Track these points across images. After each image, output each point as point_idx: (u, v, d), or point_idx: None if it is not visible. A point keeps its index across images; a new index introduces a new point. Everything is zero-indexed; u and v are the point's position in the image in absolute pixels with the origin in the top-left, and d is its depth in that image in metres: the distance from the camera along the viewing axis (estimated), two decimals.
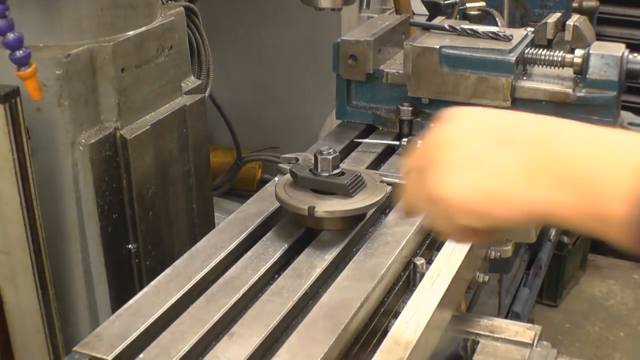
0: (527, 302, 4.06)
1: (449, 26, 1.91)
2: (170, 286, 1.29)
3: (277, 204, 1.51)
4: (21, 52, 1.45)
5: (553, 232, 4.35)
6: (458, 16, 3.29)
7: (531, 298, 4.20)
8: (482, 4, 3.38)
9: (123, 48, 1.69)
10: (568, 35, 2.90)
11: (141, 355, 1.14)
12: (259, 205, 1.55)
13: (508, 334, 1.63)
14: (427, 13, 3.12)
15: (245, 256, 1.39)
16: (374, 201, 1.45)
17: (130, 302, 1.25)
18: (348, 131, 1.93)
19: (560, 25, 3.12)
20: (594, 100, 1.73)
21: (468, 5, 3.35)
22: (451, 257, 1.49)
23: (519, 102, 1.79)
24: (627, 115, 1.82)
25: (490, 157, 0.93)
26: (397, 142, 1.84)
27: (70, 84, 1.60)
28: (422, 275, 1.44)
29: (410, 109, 1.87)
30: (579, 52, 1.77)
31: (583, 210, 0.86)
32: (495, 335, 1.63)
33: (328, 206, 1.42)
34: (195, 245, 1.42)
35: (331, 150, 1.47)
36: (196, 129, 1.94)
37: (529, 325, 1.66)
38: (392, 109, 1.92)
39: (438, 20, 2.03)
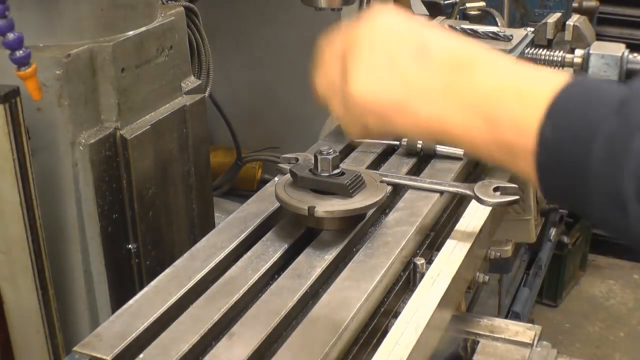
0: (527, 302, 4.07)
1: (449, 26, 1.91)
2: (170, 286, 1.29)
3: (277, 204, 1.51)
4: (21, 52, 1.45)
5: (553, 232, 4.35)
6: (458, 16, 3.29)
7: (531, 298, 4.20)
8: (482, 4, 3.38)
9: (123, 48, 1.69)
10: (568, 35, 2.90)
11: (141, 355, 1.14)
12: (259, 205, 1.55)
13: (508, 334, 1.63)
14: (427, 13, 3.12)
15: (245, 256, 1.39)
16: (374, 201, 1.45)
17: (130, 302, 1.25)
18: None
19: (560, 25, 3.12)
20: None
21: (468, 5, 3.35)
22: (451, 257, 1.49)
23: None
24: None
25: (402, 65, 0.95)
26: (397, 142, 1.83)
27: (70, 84, 1.60)
28: (422, 275, 1.44)
29: None
30: (579, 52, 1.77)
31: (488, 139, 0.87)
32: (495, 335, 1.63)
33: (328, 206, 1.42)
34: (195, 245, 1.42)
35: (331, 150, 1.47)
36: (196, 129, 1.94)
37: (529, 325, 1.66)
38: None
39: (438, 20, 2.03)
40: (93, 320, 1.74)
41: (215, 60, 2.47)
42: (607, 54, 1.72)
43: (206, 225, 2.04)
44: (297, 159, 1.63)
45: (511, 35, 1.83)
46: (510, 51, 1.77)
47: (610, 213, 0.79)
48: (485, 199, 1.53)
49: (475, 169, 1.90)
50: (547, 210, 3.06)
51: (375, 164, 1.79)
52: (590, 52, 1.73)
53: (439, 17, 2.11)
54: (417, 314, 1.32)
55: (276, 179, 1.61)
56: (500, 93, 0.87)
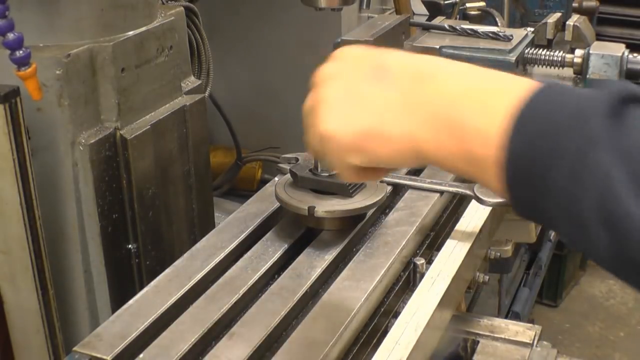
0: (527, 302, 4.07)
1: (449, 26, 1.91)
2: (170, 286, 1.29)
3: (277, 204, 1.51)
4: (21, 52, 1.45)
5: (553, 232, 4.35)
6: (458, 16, 3.29)
7: (531, 298, 4.20)
8: (482, 4, 3.38)
9: (123, 48, 1.69)
10: (568, 35, 2.90)
11: (141, 355, 1.14)
12: (259, 205, 1.55)
13: (508, 334, 1.63)
14: (427, 13, 3.12)
15: (245, 256, 1.39)
16: (374, 201, 1.45)
17: (130, 302, 1.25)
18: None
19: (560, 25, 3.12)
20: None
21: (468, 5, 3.35)
22: (451, 257, 1.49)
23: None
24: None
25: (365, 93, 0.93)
26: None
27: (70, 84, 1.60)
28: (422, 275, 1.44)
29: None
30: (579, 52, 1.77)
31: (456, 152, 0.85)
32: (495, 335, 1.63)
33: (328, 206, 1.42)
34: (195, 245, 1.42)
35: None
36: (196, 129, 1.94)
37: (529, 325, 1.66)
38: None
39: (438, 20, 2.03)
40: (93, 320, 1.74)
41: (215, 60, 2.47)
42: (607, 54, 1.72)
43: (206, 225, 2.04)
44: (297, 159, 1.63)
45: (511, 35, 1.83)
46: (510, 51, 1.77)
47: (575, 235, 0.76)
48: (485, 199, 1.53)
49: None
50: None
51: None
52: (590, 52, 1.73)
53: (439, 17, 2.11)
54: (417, 314, 1.31)
55: (276, 179, 1.61)
56: (463, 101, 0.84)
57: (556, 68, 1.81)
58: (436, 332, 1.39)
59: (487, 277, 1.74)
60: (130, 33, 1.73)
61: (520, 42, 1.83)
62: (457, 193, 1.63)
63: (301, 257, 1.39)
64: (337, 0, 2.09)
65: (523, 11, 4.01)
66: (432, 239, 1.58)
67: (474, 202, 1.59)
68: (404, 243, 1.44)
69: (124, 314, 1.22)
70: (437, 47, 1.79)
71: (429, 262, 1.48)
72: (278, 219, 1.52)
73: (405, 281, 1.46)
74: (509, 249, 2.32)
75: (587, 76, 1.72)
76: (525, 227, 2.38)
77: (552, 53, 1.81)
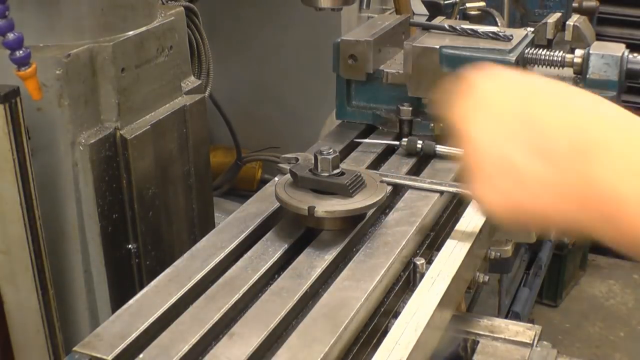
0: (527, 302, 4.07)
1: (449, 26, 1.91)
2: (170, 286, 1.29)
3: (277, 204, 1.51)
4: (21, 52, 1.45)
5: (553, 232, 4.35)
6: (458, 16, 3.29)
7: (531, 298, 4.20)
8: (482, 4, 3.39)
9: (123, 48, 1.69)
10: (568, 35, 2.90)
11: (141, 355, 1.14)
12: (259, 205, 1.55)
13: (508, 334, 1.63)
14: (427, 13, 3.12)
15: (245, 256, 1.39)
16: (374, 201, 1.45)
17: (130, 302, 1.25)
18: (348, 131, 1.93)
19: (560, 25, 3.12)
20: None
21: (468, 5, 3.35)
22: (451, 257, 1.49)
23: None
24: None
25: (522, 168, 0.90)
26: (397, 142, 1.83)
27: (70, 84, 1.60)
28: (422, 275, 1.44)
29: (410, 109, 1.87)
30: (579, 52, 1.77)
31: (614, 238, 0.85)
32: (495, 335, 1.63)
33: (328, 206, 1.42)
34: (195, 245, 1.42)
35: (331, 150, 1.47)
36: (196, 129, 1.94)
37: (529, 325, 1.66)
38: (392, 109, 1.92)
39: (438, 20, 2.03)
40: (93, 320, 1.74)
41: (215, 60, 2.47)
42: (607, 54, 1.72)
43: (206, 225, 2.04)
44: (297, 159, 1.63)
45: (511, 35, 1.83)
46: (510, 51, 1.77)
47: None
48: None
49: None
50: None
51: (375, 164, 1.79)
52: (590, 52, 1.73)
53: (439, 17, 2.11)
54: (417, 314, 1.31)
55: (276, 179, 1.61)
56: (622, 194, 0.82)
57: (556, 68, 1.81)
58: (436, 332, 1.39)
59: (487, 277, 1.74)
60: (130, 33, 1.73)
61: (520, 42, 1.83)
62: (457, 193, 1.63)
63: (301, 257, 1.39)
64: (337, 0, 2.09)
65: (523, 11, 4.01)
66: (432, 239, 1.58)
67: (474, 202, 1.59)
68: (404, 243, 1.44)
69: (124, 314, 1.22)
70: (437, 47, 1.79)
71: (429, 262, 1.48)
72: (278, 219, 1.52)
73: (405, 281, 1.46)
74: (509, 249, 2.31)
75: (587, 76, 1.72)
76: None
77: (552, 53, 1.81)
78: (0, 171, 1.51)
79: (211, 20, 2.63)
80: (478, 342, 1.62)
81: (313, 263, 1.37)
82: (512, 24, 3.84)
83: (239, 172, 3.11)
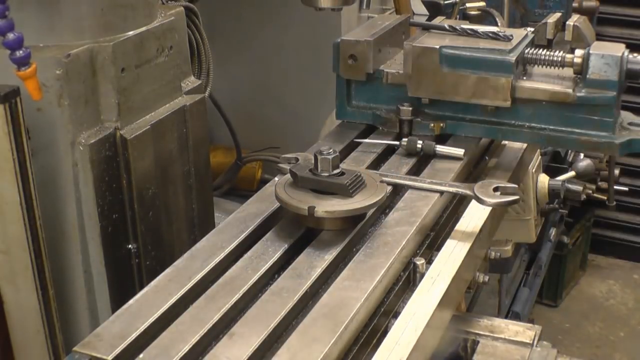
0: (527, 302, 4.07)
1: (449, 26, 1.91)
2: (170, 286, 1.29)
3: (277, 204, 1.51)
4: (21, 52, 1.45)
5: (553, 232, 4.36)
6: (458, 16, 3.29)
7: (531, 298, 4.21)
8: (482, 4, 3.39)
9: (123, 48, 1.69)
10: (568, 35, 2.90)
11: (141, 355, 1.14)
12: (259, 205, 1.55)
13: (508, 334, 1.63)
14: (427, 13, 3.12)
15: (245, 256, 1.39)
16: (374, 201, 1.45)
17: (130, 302, 1.25)
18: (348, 131, 1.93)
19: (560, 25, 3.12)
20: (594, 100, 1.73)
21: (468, 5, 3.36)
22: (451, 257, 1.49)
23: (519, 102, 1.79)
24: (627, 115, 1.81)
25: None
26: (397, 142, 1.83)
27: (70, 84, 1.60)
28: (422, 275, 1.44)
29: (410, 109, 1.87)
30: (579, 52, 1.76)
31: None
32: (495, 335, 1.63)
33: (328, 206, 1.42)
34: (195, 245, 1.42)
35: (331, 150, 1.47)
36: (196, 129, 1.94)
37: (529, 325, 1.66)
38: (392, 109, 1.92)
39: (438, 20, 2.03)
40: (93, 320, 1.74)
41: (215, 60, 2.47)
42: (607, 54, 1.72)
43: (206, 225, 2.04)
44: (297, 159, 1.63)
45: (511, 35, 1.83)
46: (510, 51, 1.77)
47: None
48: (485, 199, 1.53)
49: (475, 169, 1.90)
50: (547, 210, 3.06)
51: (375, 164, 1.79)
52: (590, 52, 1.73)
53: (439, 17, 2.11)
54: (417, 314, 1.32)
55: (276, 179, 1.61)
56: None
57: (556, 68, 1.81)
58: (436, 332, 1.39)
59: (487, 277, 1.74)
60: (130, 33, 1.73)
61: (520, 42, 1.83)
62: (457, 193, 1.63)
63: (301, 257, 1.39)
64: (337, 0, 2.09)
65: (523, 11, 4.02)
66: (432, 239, 1.58)
67: (474, 202, 1.59)
68: (404, 243, 1.44)
69: (124, 314, 1.22)
70: (437, 47, 1.79)
71: (429, 262, 1.48)
72: (278, 219, 1.52)
73: (405, 281, 1.46)
74: (509, 249, 2.32)
75: (587, 76, 1.72)
76: (525, 227, 2.39)
77: (552, 53, 1.81)
78: (0, 171, 1.51)
79: (211, 20, 2.63)
80: (478, 342, 1.62)
81: (313, 263, 1.37)
82: (512, 24, 3.84)
83: (239, 172, 3.11)
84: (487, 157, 1.98)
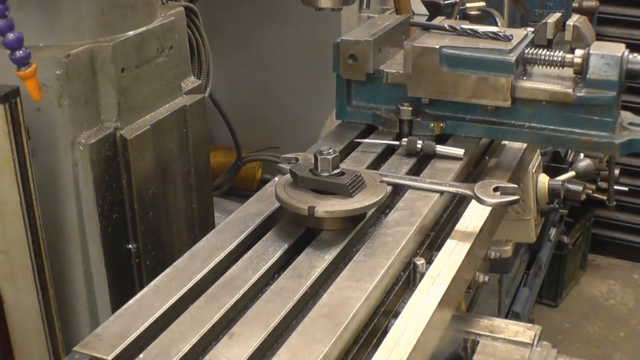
0: (527, 302, 4.07)
1: (449, 26, 1.91)
2: (170, 286, 1.29)
3: (277, 204, 1.51)
4: (21, 52, 1.45)
5: (553, 232, 4.36)
6: (458, 16, 3.29)
7: (531, 298, 4.21)
8: (482, 4, 3.39)
9: (123, 48, 1.69)
10: (568, 35, 2.90)
11: (141, 355, 1.14)
12: (259, 205, 1.55)
13: (508, 334, 1.63)
14: (427, 13, 3.13)
15: (245, 256, 1.39)
16: (374, 201, 1.45)
17: (130, 302, 1.25)
18: (348, 131, 1.93)
19: (560, 25, 3.12)
20: (594, 100, 1.73)
21: (468, 5, 3.36)
22: (451, 257, 1.49)
23: (519, 102, 1.79)
24: (627, 115, 1.81)
25: None
26: (397, 142, 1.83)
27: (70, 84, 1.60)
28: (422, 275, 1.44)
29: (410, 109, 1.87)
30: (579, 52, 1.76)
31: None
32: (495, 335, 1.63)
33: (328, 206, 1.42)
34: (195, 245, 1.42)
35: (331, 150, 1.47)
36: (196, 129, 1.94)
37: (529, 325, 1.66)
38: (392, 109, 1.92)
39: (438, 20, 2.03)
40: (93, 320, 1.74)
41: (215, 60, 2.47)
42: (607, 54, 1.72)
43: (206, 225, 2.04)
44: (297, 159, 1.63)
45: (511, 35, 1.83)
46: (510, 51, 1.77)
47: None
48: (485, 199, 1.53)
49: (475, 169, 1.90)
50: (547, 210, 3.06)
51: (375, 164, 1.79)
52: (590, 52, 1.73)
53: (439, 17, 2.11)
54: (417, 314, 1.32)
55: (276, 179, 1.61)
56: None
57: (556, 68, 1.81)
58: (436, 332, 1.39)
59: (487, 277, 1.74)
60: (130, 33, 1.73)
61: (520, 42, 1.83)
62: (457, 193, 1.63)
63: (301, 257, 1.39)
64: (337, 0, 2.09)
65: (523, 11, 4.02)
66: (432, 239, 1.58)
67: (474, 202, 1.59)
68: (404, 243, 1.44)
69: (124, 314, 1.22)
70: (437, 47, 1.79)
71: (429, 262, 1.48)
72: (278, 219, 1.52)
73: (405, 281, 1.46)
74: (509, 249, 2.32)
75: (587, 76, 1.72)
76: (525, 227, 2.39)
77: (552, 53, 1.81)
78: (0, 171, 1.51)
79: (211, 20, 2.63)
80: (478, 342, 1.62)
81: (313, 263, 1.37)
82: (512, 24, 3.84)
83: (239, 172, 3.11)
84: (487, 157, 1.98)
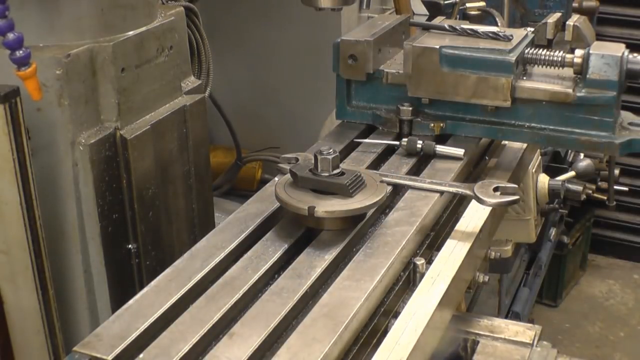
0: (527, 302, 4.07)
1: (449, 26, 1.91)
2: (170, 286, 1.29)
3: (277, 204, 1.51)
4: (21, 52, 1.45)
5: (553, 232, 4.35)
6: (458, 16, 3.29)
7: (531, 298, 4.21)
8: (482, 4, 3.39)
9: (123, 48, 1.69)
10: (568, 35, 2.90)
11: (141, 355, 1.14)
12: (259, 205, 1.55)
13: (508, 334, 1.63)
14: (427, 13, 3.13)
15: (245, 256, 1.39)
16: (374, 201, 1.45)
17: (130, 302, 1.25)
18: (348, 131, 1.93)
19: (560, 25, 3.12)
20: (594, 100, 1.73)
21: (468, 5, 3.36)
22: (451, 257, 1.49)
23: (519, 102, 1.79)
24: (627, 115, 1.81)
25: None
26: (397, 142, 1.83)
27: (70, 84, 1.60)
28: (422, 275, 1.44)
29: (410, 109, 1.87)
30: (579, 52, 1.76)
31: None
32: (495, 335, 1.63)
33: (328, 206, 1.42)
34: (195, 245, 1.42)
35: (331, 150, 1.47)
36: (196, 129, 1.94)
37: (529, 325, 1.66)
38: (392, 109, 1.92)
39: (438, 20, 2.03)
40: (93, 320, 1.74)
41: (215, 60, 2.47)
42: (607, 54, 1.72)
43: (206, 225, 2.04)
44: (297, 159, 1.63)
45: (511, 35, 1.83)
46: (510, 51, 1.77)
47: None
48: (485, 199, 1.53)
49: (475, 169, 1.90)
50: (547, 210, 3.06)
51: (375, 164, 1.79)
52: (590, 52, 1.73)
53: (439, 17, 2.11)
54: (417, 314, 1.32)
55: (276, 179, 1.61)
56: None
57: (556, 68, 1.81)
58: (436, 332, 1.39)
59: (487, 277, 1.74)
60: (130, 33, 1.73)
61: (520, 42, 1.83)
62: (457, 193, 1.63)
63: (301, 257, 1.39)
64: (337, 0, 2.09)
65: (523, 11, 4.02)
66: (432, 239, 1.58)
67: (474, 202, 1.59)
68: (404, 243, 1.44)
69: (124, 314, 1.22)
70: (437, 47, 1.79)
71: (429, 262, 1.48)
72: (278, 219, 1.52)
73: (405, 281, 1.46)
74: (509, 249, 2.32)
75: (587, 76, 1.72)
76: (525, 227, 2.39)
77: (552, 53, 1.81)
78: (0, 171, 1.51)
79: (211, 20, 2.64)
80: (478, 342, 1.62)
81: (313, 263, 1.37)
82: (512, 24, 3.84)
83: (239, 172, 3.11)
84: (487, 157, 1.98)
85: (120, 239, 1.75)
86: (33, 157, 1.55)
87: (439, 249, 1.54)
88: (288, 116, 3.20)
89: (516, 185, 1.57)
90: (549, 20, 2.97)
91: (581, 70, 1.75)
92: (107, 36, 1.69)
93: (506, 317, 3.76)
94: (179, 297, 1.27)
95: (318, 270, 1.35)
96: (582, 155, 3.94)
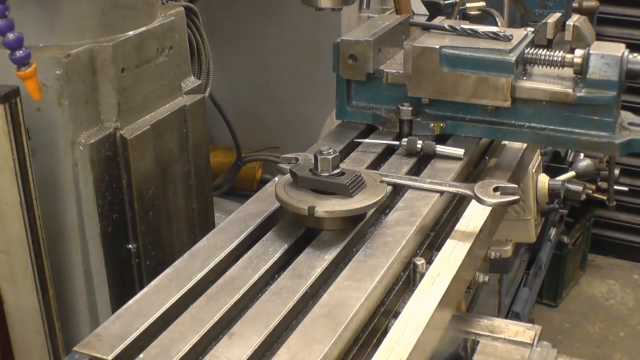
0: (527, 302, 4.07)
1: (449, 26, 1.91)
2: (170, 286, 1.29)
3: (277, 204, 1.51)
4: (21, 52, 1.45)
5: (553, 232, 4.36)
6: (458, 16, 3.29)
7: (531, 298, 4.21)
8: (482, 4, 3.39)
9: (123, 48, 1.69)
10: (568, 35, 2.90)
11: (141, 355, 1.14)
12: (259, 205, 1.55)
13: (508, 334, 1.63)
14: (427, 13, 3.12)
15: (245, 256, 1.39)
16: (374, 201, 1.45)
17: (130, 302, 1.25)
18: (348, 131, 1.93)
19: (560, 25, 3.12)
20: (594, 100, 1.73)
21: (468, 5, 3.36)
22: (451, 257, 1.49)
23: (519, 102, 1.79)
24: (627, 115, 1.81)
25: None
26: (397, 142, 1.83)
27: (70, 84, 1.60)
28: (422, 275, 1.44)
29: (410, 109, 1.87)
30: (579, 52, 1.76)
31: None
32: (495, 335, 1.63)
33: (328, 206, 1.42)
34: (195, 245, 1.42)
35: (331, 150, 1.47)
36: (196, 129, 1.94)
37: (529, 325, 1.66)
38: (392, 109, 1.92)
39: (438, 20, 2.03)
40: (93, 320, 1.74)
41: (215, 60, 2.47)
42: (607, 54, 1.72)
43: (206, 225, 2.04)
44: (297, 159, 1.63)
45: (511, 35, 1.83)
46: (510, 51, 1.77)
47: None
48: (485, 199, 1.53)
49: (475, 169, 1.90)
50: (547, 210, 3.06)
51: (375, 164, 1.79)
52: (590, 52, 1.73)
53: (439, 17, 2.11)
54: (417, 314, 1.31)
55: (276, 179, 1.61)
56: None
57: (556, 68, 1.81)
58: (436, 332, 1.39)
59: (487, 277, 1.74)
60: (130, 33, 1.73)
61: (520, 42, 1.83)
62: (457, 193, 1.63)
63: (301, 257, 1.39)
64: (337, 0, 2.09)
65: (523, 11, 4.02)
66: (432, 239, 1.58)
67: (474, 202, 1.59)
68: (404, 243, 1.44)
69: (124, 314, 1.22)
70: (437, 47, 1.79)
71: (429, 262, 1.48)
72: (278, 219, 1.52)
73: (405, 281, 1.46)
74: (509, 249, 2.32)
75: (587, 76, 1.72)
76: (525, 227, 2.39)
77: (552, 53, 1.81)
78: (0, 171, 1.51)
79: (211, 20, 2.63)
80: (478, 342, 1.62)
81: (313, 263, 1.37)
82: (512, 24, 3.84)
83: (239, 172, 3.11)
84: (487, 157, 1.98)
85: (120, 239, 1.75)
86: (33, 157, 1.55)
87: (439, 249, 1.54)
88: (288, 116, 3.20)
89: (516, 185, 1.57)
90: (549, 20, 2.97)
91: (581, 70, 1.75)
92: (107, 36, 1.69)
93: (506, 317, 3.76)
94: (179, 297, 1.27)
95: (318, 270, 1.35)
96: (582, 155, 3.94)
